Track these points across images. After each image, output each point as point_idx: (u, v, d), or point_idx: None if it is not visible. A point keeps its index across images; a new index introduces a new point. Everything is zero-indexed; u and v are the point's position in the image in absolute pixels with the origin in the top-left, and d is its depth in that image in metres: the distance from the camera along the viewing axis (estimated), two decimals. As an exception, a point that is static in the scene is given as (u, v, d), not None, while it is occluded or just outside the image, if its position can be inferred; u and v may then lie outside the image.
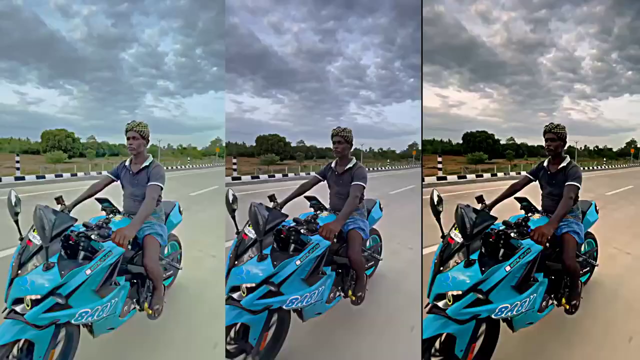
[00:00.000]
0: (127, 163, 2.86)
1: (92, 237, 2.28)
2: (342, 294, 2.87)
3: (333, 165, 3.13)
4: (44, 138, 10.48)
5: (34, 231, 2.12)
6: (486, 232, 2.18)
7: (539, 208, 2.96)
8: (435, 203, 2.22)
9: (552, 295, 2.69)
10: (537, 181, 2.93)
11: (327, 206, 3.17)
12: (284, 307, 2.32)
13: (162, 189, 2.73)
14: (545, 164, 2.87)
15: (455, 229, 2.13)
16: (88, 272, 2.15)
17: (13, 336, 1.98)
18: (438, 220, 2.24)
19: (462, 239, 2.05)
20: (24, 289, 2.00)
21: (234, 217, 2.52)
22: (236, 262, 2.34)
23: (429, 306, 2.09)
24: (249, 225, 2.42)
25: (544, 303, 2.53)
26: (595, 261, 3.40)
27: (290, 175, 12.22)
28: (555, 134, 2.70)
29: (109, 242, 2.30)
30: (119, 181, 2.89)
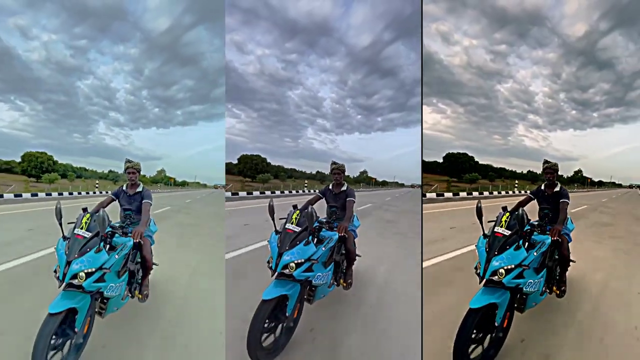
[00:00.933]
0: (124, 187, 4.02)
1: (117, 234, 3.32)
2: (336, 283, 3.97)
3: (330, 187, 4.38)
4: (26, 159, 10.72)
5: (80, 228, 3.01)
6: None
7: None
8: (479, 209, 3.18)
9: (547, 285, 3.72)
10: (536, 199, 4.04)
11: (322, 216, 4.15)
12: (313, 281, 3.32)
13: (151, 204, 3.93)
14: (542, 187, 4.01)
15: (500, 227, 3.05)
16: (116, 257, 3.14)
17: (68, 303, 2.80)
18: (481, 222, 3.20)
19: (509, 232, 2.98)
20: (81, 265, 2.86)
21: (273, 220, 3.44)
22: (287, 248, 3.19)
23: (484, 281, 2.96)
24: (290, 223, 3.33)
25: (544, 288, 3.53)
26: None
27: (276, 192, 12.90)
28: (552, 169, 3.89)
29: (125, 238, 3.35)
30: (117, 200, 3.99)
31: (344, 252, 4.06)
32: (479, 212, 3.22)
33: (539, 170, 4.10)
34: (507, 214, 3.11)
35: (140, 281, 3.82)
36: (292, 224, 3.32)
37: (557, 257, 3.80)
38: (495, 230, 3.08)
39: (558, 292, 3.88)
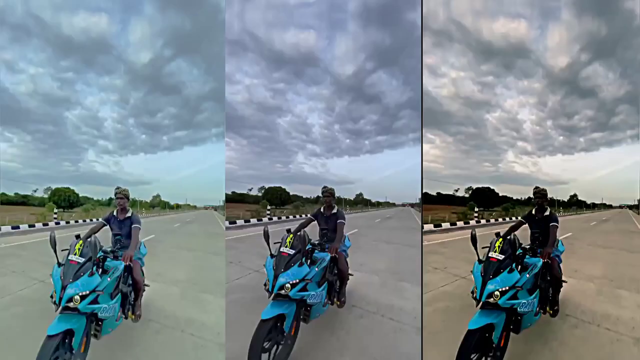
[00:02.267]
0: (114, 213, 4.22)
1: (108, 258, 3.55)
2: (330, 302, 4.17)
3: (322, 210, 4.58)
4: (56, 194, 11.82)
5: (74, 254, 3.21)
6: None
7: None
8: (474, 236, 3.44)
9: (540, 306, 3.93)
10: (527, 223, 4.30)
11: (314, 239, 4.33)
12: (308, 300, 3.51)
13: (140, 229, 4.12)
14: (532, 212, 4.26)
15: (494, 252, 3.31)
16: (109, 279, 3.35)
17: (65, 325, 2.98)
18: (475, 248, 3.45)
19: (502, 257, 3.24)
20: (76, 289, 3.02)
21: (268, 244, 3.65)
22: (282, 270, 3.38)
23: (480, 303, 3.18)
24: (285, 246, 3.54)
25: (537, 308, 3.74)
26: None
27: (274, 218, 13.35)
28: (541, 194, 4.18)
29: (117, 262, 3.58)
30: (108, 225, 4.18)
31: (336, 272, 4.26)
32: (474, 240, 3.47)
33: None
34: (500, 239, 3.36)
35: (132, 302, 4.00)
36: (286, 247, 3.54)
37: (549, 278, 4.03)
38: (489, 255, 3.32)
39: (551, 312, 4.08)
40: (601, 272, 5.87)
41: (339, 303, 4.32)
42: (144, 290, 4.26)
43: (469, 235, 3.43)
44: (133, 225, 4.11)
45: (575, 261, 5.92)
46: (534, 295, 3.42)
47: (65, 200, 11.40)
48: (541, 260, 3.56)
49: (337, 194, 4.66)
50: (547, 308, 4.05)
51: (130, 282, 3.97)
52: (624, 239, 8.97)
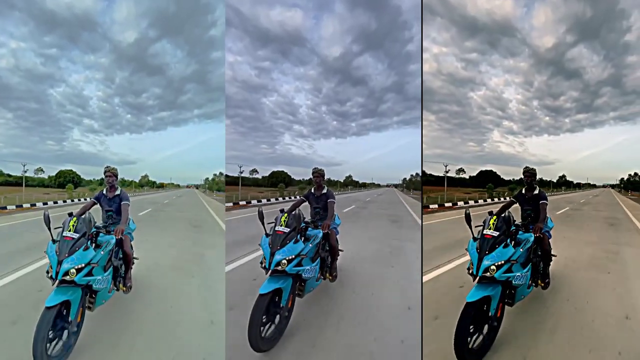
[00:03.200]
0: (104, 191, 4.42)
1: (101, 233, 3.72)
2: (322, 277, 4.40)
3: (313, 190, 4.83)
4: (61, 175, 11.75)
5: (68, 231, 3.36)
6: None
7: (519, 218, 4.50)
8: (468, 215, 3.59)
9: (532, 279, 4.15)
10: (518, 202, 4.51)
11: (307, 217, 4.62)
12: (303, 275, 3.68)
13: (129, 205, 4.33)
14: (523, 191, 4.45)
15: (489, 229, 3.48)
16: (102, 252, 3.53)
17: (62, 297, 3.16)
18: (470, 227, 3.60)
19: (497, 234, 3.41)
20: (72, 262, 3.21)
21: (263, 224, 3.82)
22: (278, 248, 3.54)
23: (477, 278, 3.36)
24: (280, 225, 3.69)
25: (530, 282, 3.95)
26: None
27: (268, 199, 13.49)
28: (531, 173, 4.35)
29: (108, 236, 3.77)
30: (98, 203, 4.39)
31: (328, 248, 4.51)
32: (468, 218, 3.63)
33: (518, 175, 4.57)
34: (494, 217, 3.54)
35: (123, 275, 4.24)
36: (281, 225, 3.69)
37: (539, 252, 4.25)
38: (484, 232, 3.49)
39: (543, 284, 4.31)
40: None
41: (330, 278, 4.59)
42: (134, 263, 4.50)
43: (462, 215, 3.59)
44: (123, 202, 4.31)
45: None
46: (527, 269, 3.61)
47: (70, 181, 11.47)
48: (533, 236, 3.76)
49: (325, 176, 4.85)
50: (539, 281, 4.28)
51: (121, 255, 4.20)
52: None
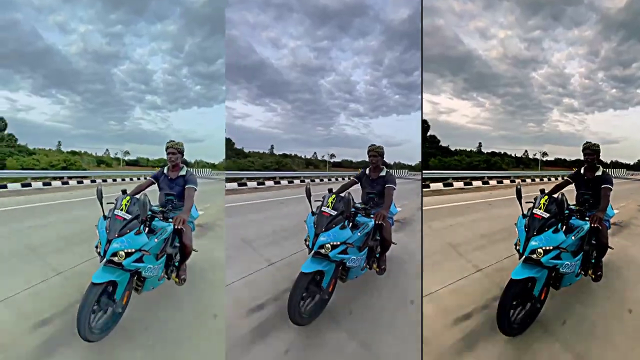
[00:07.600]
0: (165, 170, 3.80)
1: (156, 218, 3.41)
2: (369, 267, 4.00)
3: (367, 172, 4.16)
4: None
5: (120, 209, 3.10)
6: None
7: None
8: (519, 190, 3.32)
9: (582, 268, 3.79)
10: (574, 183, 3.99)
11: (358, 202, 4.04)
12: (347, 263, 3.48)
13: (195, 190, 3.73)
14: (582, 171, 3.92)
15: (538, 209, 3.19)
16: (155, 240, 3.26)
17: (109, 276, 3.04)
18: (520, 202, 3.33)
19: (547, 215, 3.12)
20: (121, 245, 3.01)
21: (310, 202, 3.60)
22: (323, 230, 3.36)
23: (523, 257, 3.12)
24: (326, 206, 3.48)
25: (579, 270, 3.62)
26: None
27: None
28: (592, 150, 3.76)
29: (165, 223, 3.41)
30: (156, 183, 3.83)
31: (378, 238, 4.03)
32: (519, 194, 3.35)
33: (578, 155, 3.99)
34: (546, 197, 3.23)
35: (177, 265, 3.76)
36: (327, 207, 3.49)
37: (594, 242, 3.85)
38: (534, 212, 3.21)
39: (594, 276, 3.92)
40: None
41: (378, 270, 4.11)
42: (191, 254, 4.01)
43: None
44: (187, 186, 3.69)
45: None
46: (577, 258, 3.32)
47: (146, 160, 12.18)
48: (588, 224, 3.39)
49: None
50: (590, 272, 3.90)
51: (177, 244, 3.67)
52: None
